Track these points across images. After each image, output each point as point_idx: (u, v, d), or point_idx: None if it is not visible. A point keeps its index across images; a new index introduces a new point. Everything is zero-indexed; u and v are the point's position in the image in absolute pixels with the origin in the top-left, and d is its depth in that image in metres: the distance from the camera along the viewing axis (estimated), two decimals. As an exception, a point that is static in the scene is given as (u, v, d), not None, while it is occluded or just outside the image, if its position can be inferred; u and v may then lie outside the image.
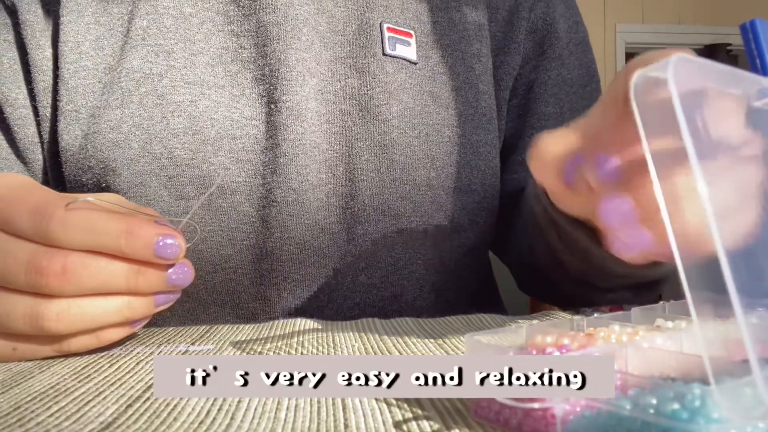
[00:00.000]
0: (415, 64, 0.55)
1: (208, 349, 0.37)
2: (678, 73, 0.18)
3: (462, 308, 0.55)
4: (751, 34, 0.24)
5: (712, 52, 4.31)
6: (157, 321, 0.53)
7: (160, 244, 0.34)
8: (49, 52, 0.52)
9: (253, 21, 0.52)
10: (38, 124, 0.53)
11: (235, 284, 0.53)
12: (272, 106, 0.51)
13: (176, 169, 0.50)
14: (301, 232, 0.52)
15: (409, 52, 0.55)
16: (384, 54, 0.54)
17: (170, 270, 0.35)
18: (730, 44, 4.38)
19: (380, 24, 0.54)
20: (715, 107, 0.20)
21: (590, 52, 0.66)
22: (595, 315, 0.30)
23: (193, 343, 0.39)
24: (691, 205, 0.18)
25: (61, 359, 0.35)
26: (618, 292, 0.49)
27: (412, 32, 0.56)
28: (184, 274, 0.36)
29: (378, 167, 0.53)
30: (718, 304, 0.17)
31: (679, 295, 0.24)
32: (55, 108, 0.51)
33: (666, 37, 4.34)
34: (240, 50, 0.52)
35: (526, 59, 0.63)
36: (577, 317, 0.29)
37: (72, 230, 0.33)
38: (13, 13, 0.53)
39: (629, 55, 4.30)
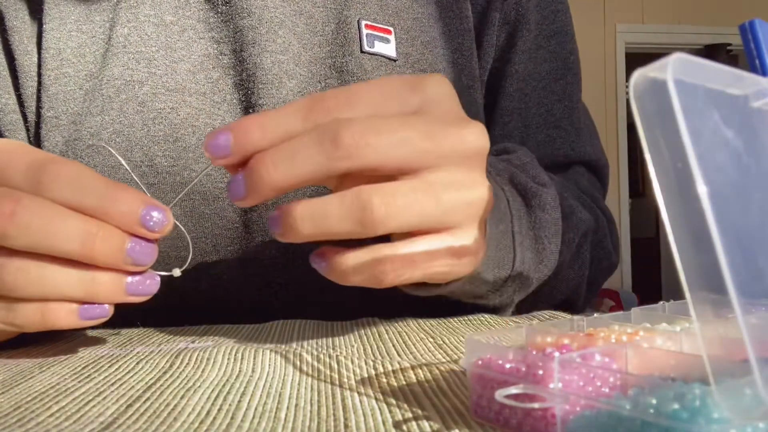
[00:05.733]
0: (395, 61, 0.54)
1: (208, 346, 0.37)
2: (677, 73, 0.18)
3: (445, 314, 0.55)
4: (751, 35, 0.24)
5: (712, 52, 4.32)
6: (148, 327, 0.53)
7: (146, 216, 0.32)
8: (36, 58, 0.52)
9: (231, 26, 0.52)
10: (27, 130, 0.53)
11: (221, 290, 0.52)
12: (249, 111, 0.51)
13: (157, 176, 0.49)
14: None
15: (388, 48, 0.54)
16: (362, 51, 0.53)
17: (131, 242, 0.31)
18: (730, 44, 4.39)
19: (358, 21, 0.53)
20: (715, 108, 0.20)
21: (569, 43, 0.64)
22: (595, 315, 0.30)
23: (192, 342, 0.39)
24: None
25: (62, 359, 0.35)
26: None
27: (391, 29, 0.55)
28: (144, 248, 0.32)
29: None
30: (718, 304, 0.17)
31: (679, 295, 0.24)
32: (39, 114, 0.51)
33: (666, 37, 4.35)
34: (220, 57, 0.52)
35: (498, 52, 0.61)
36: (577, 317, 0.29)
37: (61, 181, 0.32)
38: (0, 19, 0.52)
39: (629, 55, 4.30)
